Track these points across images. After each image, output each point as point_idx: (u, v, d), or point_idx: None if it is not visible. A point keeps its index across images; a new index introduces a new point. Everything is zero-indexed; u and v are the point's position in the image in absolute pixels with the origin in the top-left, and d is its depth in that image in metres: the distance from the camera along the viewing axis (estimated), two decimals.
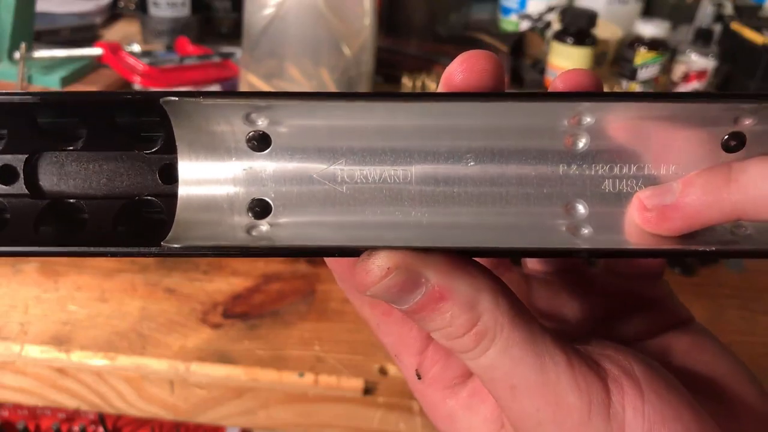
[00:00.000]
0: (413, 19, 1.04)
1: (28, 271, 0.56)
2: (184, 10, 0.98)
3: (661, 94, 0.24)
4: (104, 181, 0.22)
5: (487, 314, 0.20)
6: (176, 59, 0.87)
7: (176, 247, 0.20)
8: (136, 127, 0.21)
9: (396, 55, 0.94)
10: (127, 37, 1.01)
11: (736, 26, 0.95)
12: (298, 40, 0.71)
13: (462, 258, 0.20)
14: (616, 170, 0.21)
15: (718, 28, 0.96)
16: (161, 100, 0.20)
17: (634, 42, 0.90)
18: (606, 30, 0.99)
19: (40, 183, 0.22)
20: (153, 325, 0.51)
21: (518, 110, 0.20)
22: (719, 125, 0.20)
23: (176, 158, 0.21)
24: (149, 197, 0.22)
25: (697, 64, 0.90)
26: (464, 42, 0.96)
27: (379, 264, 0.19)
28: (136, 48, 0.86)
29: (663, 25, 0.89)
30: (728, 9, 1.01)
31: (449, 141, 0.20)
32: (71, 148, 0.22)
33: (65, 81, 0.75)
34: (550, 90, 0.23)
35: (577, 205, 0.21)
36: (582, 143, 0.20)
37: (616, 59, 0.98)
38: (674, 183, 0.20)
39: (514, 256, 0.22)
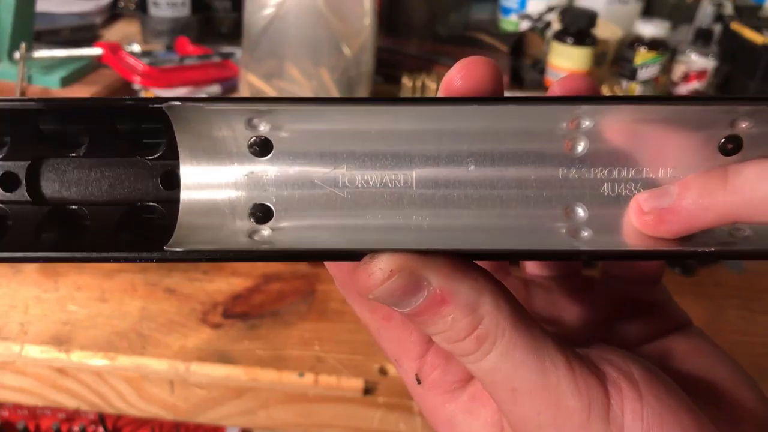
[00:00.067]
0: (413, 19, 1.04)
1: (28, 271, 0.56)
2: (184, 10, 0.98)
3: (656, 97, 0.24)
4: (106, 187, 0.22)
5: (489, 317, 0.20)
6: (176, 59, 0.87)
7: (178, 252, 0.20)
8: (138, 133, 0.21)
9: (396, 55, 0.94)
10: (127, 37, 1.01)
11: (736, 26, 0.95)
12: (298, 40, 0.71)
13: (463, 261, 0.20)
14: (615, 173, 0.21)
15: (718, 28, 0.96)
16: (164, 105, 0.20)
17: (634, 42, 0.90)
18: (606, 30, 0.99)
19: (42, 190, 0.22)
20: (153, 325, 0.51)
21: (517, 114, 0.20)
22: (716, 128, 0.20)
23: (178, 164, 0.21)
24: (151, 203, 0.22)
25: (697, 64, 0.90)
26: (464, 42, 0.96)
27: (381, 267, 0.19)
28: (136, 48, 0.86)
29: (663, 25, 0.89)
30: (728, 9, 1.01)
31: (450, 145, 0.21)
32: (73, 154, 0.22)
33: (65, 81, 0.75)
34: (548, 95, 0.23)
35: (577, 208, 0.21)
36: (581, 147, 0.21)
37: (616, 59, 0.98)
38: (671, 186, 0.20)
39: (515, 258, 0.22)
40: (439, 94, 0.22)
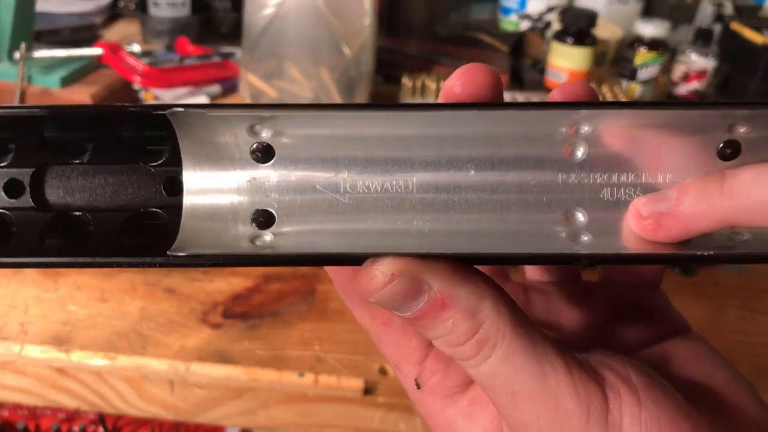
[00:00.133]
0: (413, 19, 1.04)
1: (29, 271, 0.56)
2: (184, 10, 0.98)
3: (654, 102, 0.24)
4: (110, 193, 0.22)
5: (489, 322, 0.20)
6: (176, 59, 0.87)
7: (181, 256, 0.20)
8: (142, 140, 0.22)
9: (396, 55, 0.94)
10: (127, 37, 1.01)
11: (736, 26, 0.95)
12: (298, 40, 0.71)
13: (464, 266, 0.21)
14: (615, 178, 0.21)
15: (718, 28, 0.96)
16: (167, 112, 0.20)
17: (634, 42, 0.90)
18: (606, 30, 0.99)
19: (46, 196, 0.22)
20: (153, 325, 0.51)
21: (516, 119, 0.21)
22: (714, 133, 0.20)
23: (181, 170, 0.21)
24: (154, 209, 0.22)
25: (697, 64, 0.90)
26: (464, 42, 0.96)
27: (382, 270, 0.20)
28: (136, 48, 0.86)
29: (663, 25, 0.89)
30: (728, 9, 1.01)
31: (450, 150, 0.21)
32: (77, 161, 0.22)
33: (65, 81, 0.75)
34: (548, 101, 0.23)
35: (577, 213, 0.21)
36: (580, 152, 0.21)
37: (616, 59, 0.98)
38: (669, 191, 0.20)
39: (515, 263, 0.22)
40: (440, 101, 0.22)
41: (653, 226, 0.20)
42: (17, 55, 0.74)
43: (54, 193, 0.22)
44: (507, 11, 1.09)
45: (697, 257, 0.20)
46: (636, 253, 0.21)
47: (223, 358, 0.49)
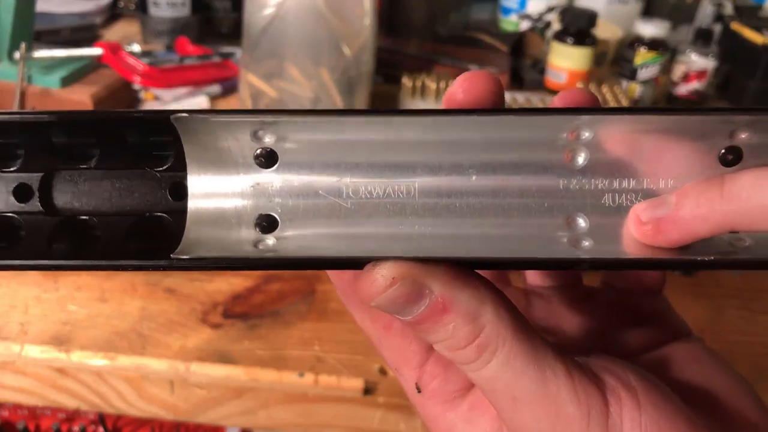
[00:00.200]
0: (413, 19, 1.04)
1: (30, 272, 0.56)
2: (184, 10, 0.98)
3: (654, 108, 0.24)
4: (116, 198, 0.22)
5: (490, 326, 0.20)
6: (176, 59, 0.87)
7: (185, 259, 0.20)
8: (148, 146, 0.22)
9: (396, 55, 0.94)
10: (127, 37, 1.01)
11: (736, 26, 0.95)
12: (298, 40, 0.71)
13: (465, 270, 0.21)
14: (616, 184, 0.21)
15: (718, 28, 0.96)
16: (171, 116, 0.20)
17: (634, 42, 0.90)
18: (606, 30, 0.99)
19: (54, 201, 0.22)
20: (153, 325, 0.51)
21: (518, 125, 0.21)
22: (715, 139, 0.20)
23: (186, 176, 0.21)
24: (159, 213, 0.22)
25: (697, 64, 0.90)
26: (464, 42, 0.96)
27: (383, 274, 0.20)
28: (136, 48, 0.86)
29: (663, 25, 0.89)
30: (728, 9, 1.01)
31: (452, 155, 0.21)
32: (84, 166, 0.22)
33: (65, 81, 0.75)
34: (550, 107, 0.23)
35: (578, 218, 0.21)
36: (581, 158, 0.21)
37: (616, 59, 0.98)
38: (669, 196, 0.20)
39: (517, 267, 0.22)
40: (442, 107, 0.22)
41: (653, 232, 0.20)
42: (17, 55, 0.74)
43: (61, 198, 0.22)
44: (507, 11, 1.09)
45: (698, 263, 0.20)
46: (637, 258, 0.21)
47: (223, 358, 0.49)
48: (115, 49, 0.81)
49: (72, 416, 0.73)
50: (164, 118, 0.20)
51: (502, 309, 0.20)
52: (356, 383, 0.48)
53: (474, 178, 0.21)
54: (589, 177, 0.21)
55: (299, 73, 0.72)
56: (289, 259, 0.21)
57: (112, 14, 1.12)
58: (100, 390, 0.51)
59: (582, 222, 0.21)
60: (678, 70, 0.91)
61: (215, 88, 0.86)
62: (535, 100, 0.86)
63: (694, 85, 0.91)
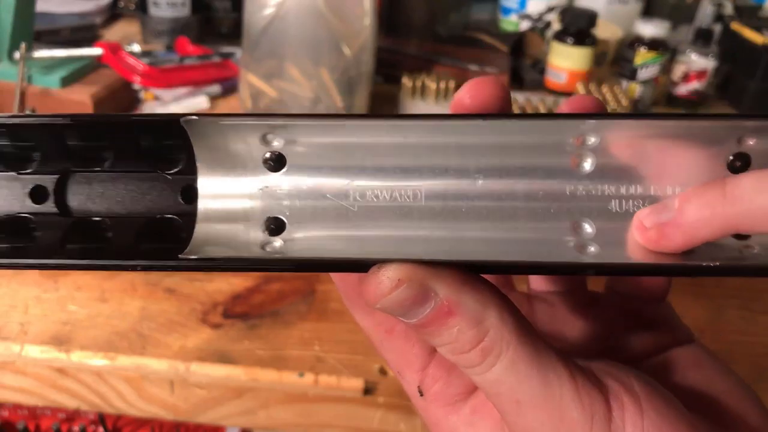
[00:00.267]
0: (413, 19, 1.04)
1: (30, 271, 0.56)
2: (184, 10, 0.98)
3: (659, 114, 0.24)
4: (128, 200, 0.23)
5: (494, 330, 0.20)
6: (176, 59, 0.87)
7: (193, 259, 0.20)
8: (160, 149, 0.22)
9: (396, 55, 0.94)
10: (127, 37, 1.01)
11: (736, 26, 0.95)
12: (298, 40, 0.71)
13: (470, 274, 0.21)
14: (623, 190, 0.21)
15: (718, 28, 0.96)
16: (181, 119, 0.21)
17: (634, 42, 0.90)
18: (606, 30, 0.99)
19: (68, 202, 0.23)
20: (153, 325, 0.51)
21: (524, 129, 0.21)
22: (723, 145, 0.20)
23: (196, 178, 0.22)
24: (170, 216, 0.23)
25: (697, 64, 0.90)
26: (464, 42, 0.96)
27: (389, 275, 0.20)
28: (136, 48, 0.86)
29: (663, 25, 0.89)
30: (728, 9, 1.01)
31: (458, 159, 0.21)
32: (98, 168, 0.23)
33: (65, 81, 0.75)
34: (557, 113, 0.23)
35: (584, 224, 0.21)
36: (587, 163, 0.21)
37: (616, 59, 0.98)
38: (672, 200, 0.20)
39: (522, 271, 0.22)
40: (450, 111, 0.22)
41: (657, 237, 0.20)
42: (17, 55, 0.74)
43: (76, 199, 0.23)
44: (507, 11, 1.09)
45: (703, 268, 0.20)
46: (642, 263, 0.20)
47: (223, 358, 0.49)
48: (115, 49, 0.81)
49: (72, 416, 0.73)
50: (174, 121, 0.21)
51: (507, 313, 0.20)
52: (356, 383, 0.48)
53: (480, 182, 0.21)
54: (595, 182, 0.21)
55: (299, 73, 0.72)
56: (296, 261, 0.21)
57: (112, 14, 1.12)
58: (100, 390, 0.51)
59: (588, 227, 0.21)
60: (678, 70, 0.91)
61: (215, 88, 0.86)
62: (535, 100, 0.86)
63: (694, 85, 0.91)
